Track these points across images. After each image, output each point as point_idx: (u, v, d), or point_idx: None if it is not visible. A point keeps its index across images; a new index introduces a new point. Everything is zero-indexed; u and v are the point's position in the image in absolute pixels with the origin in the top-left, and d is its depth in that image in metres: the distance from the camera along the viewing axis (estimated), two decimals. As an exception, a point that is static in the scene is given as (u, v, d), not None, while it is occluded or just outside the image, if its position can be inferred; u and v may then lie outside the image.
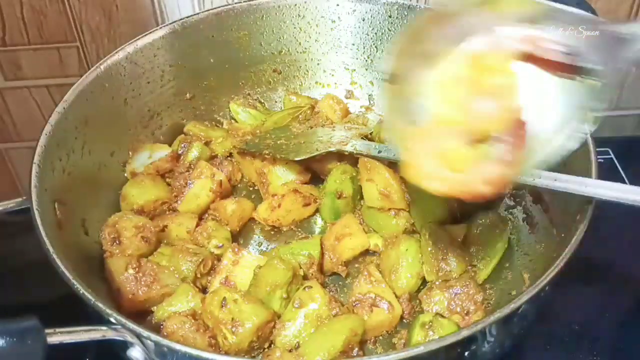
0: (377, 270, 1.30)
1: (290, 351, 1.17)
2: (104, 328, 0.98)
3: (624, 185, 1.09)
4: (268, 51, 1.69)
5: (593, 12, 1.38)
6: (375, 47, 1.68)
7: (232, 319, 1.16)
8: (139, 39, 1.51)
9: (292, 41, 1.69)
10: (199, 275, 1.31)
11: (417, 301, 1.30)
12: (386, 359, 0.92)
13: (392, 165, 1.43)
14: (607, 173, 1.62)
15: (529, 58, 1.03)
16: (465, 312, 1.25)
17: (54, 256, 1.06)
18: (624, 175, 1.75)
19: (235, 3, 1.61)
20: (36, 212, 1.13)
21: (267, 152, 1.50)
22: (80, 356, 1.32)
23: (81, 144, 1.37)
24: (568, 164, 1.26)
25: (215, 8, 1.60)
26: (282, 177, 1.50)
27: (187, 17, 1.57)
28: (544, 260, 1.27)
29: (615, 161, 1.79)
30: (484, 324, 0.97)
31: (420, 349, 0.93)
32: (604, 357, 1.34)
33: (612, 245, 1.49)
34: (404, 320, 1.27)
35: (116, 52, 1.47)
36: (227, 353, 1.15)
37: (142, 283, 1.25)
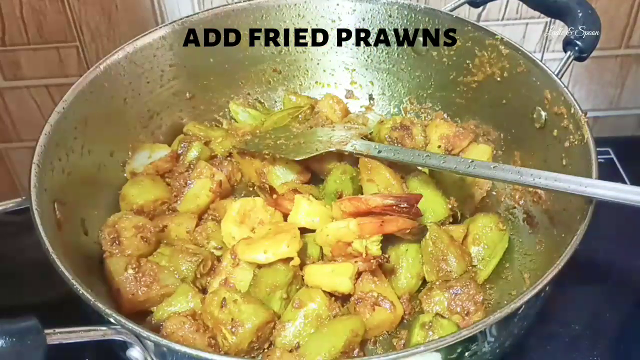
0: (379, 270, 1.30)
1: (290, 351, 1.17)
2: (104, 328, 0.97)
3: (624, 185, 1.09)
4: (268, 51, 1.69)
5: (593, 11, 1.39)
6: (375, 46, 1.68)
7: (232, 319, 1.16)
8: (138, 38, 1.51)
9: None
10: (198, 276, 1.31)
11: (418, 301, 1.30)
12: (386, 359, 0.92)
13: (393, 165, 1.43)
14: (608, 173, 1.62)
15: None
16: (465, 312, 1.24)
17: (54, 256, 1.06)
18: (624, 175, 1.75)
19: (235, 3, 1.61)
20: (36, 212, 1.13)
21: (266, 152, 1.50)
22: (80, 356, 1.32)
23: (81, 144, 1.37)
24: (569, 164, 1.27)
25: (215, 8, 1.60)
26: (281, 177, 1.50)
27: (187, 17, 1.57)
28: (544, 260, 1.27)
29: (616, 161, 1.78)
30: (484, 324, 0.96)
31: (420, 349, 0.93)
32: (604, 357, 1.34)
33: (613, 246, 1.49)
34: (405, 321, 1.27)
35: (116, 52, 1.47)
36: (226, 353, 1.15)
37: (142, 283, 1.25)
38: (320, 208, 1.34)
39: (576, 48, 1.38)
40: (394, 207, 1.26)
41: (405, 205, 1.26)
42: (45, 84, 1.85)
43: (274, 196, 1.39)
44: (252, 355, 1.19)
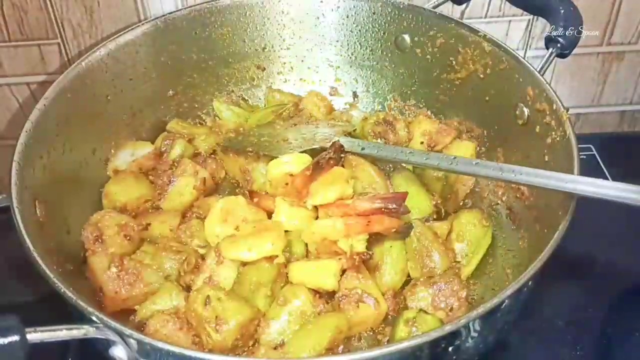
0: (363, 267, 1.30)
1: (275, 349, 1.17)
2: (86, 326, 0.97)
3: (605, 181, 1.10)
4: (252, 48, 1.68)
5: (575, 9, 1.40)
6: (359, 44, 1.68)
7: (216, 316, 1.15)
8: (120, 35, 1.50)
9: (275, 38, 1.68)
10: (182, 274, 1.30)
11: (402, 298, 1.30)
12: (370, 355, 0.92)
13: (377, 162, 1.43)
14: (590, 169, 1.63)
15: None
16: (449, 308, 1.25)
17: (35, 255, 1.05)
18: (606, 171, 1.76)
19: (218, -1, 1.60)
20: (16, 211, 1.12)
21: (250, 149, 1.50)
22: (64, 357, 1.31)
23: (62, 142, 1.35)
24: (551, 161, 1.28)
25: (198, 4, 1.59)
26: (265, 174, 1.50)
27: (170, 13, 1.56)
28: (527, 256, 1.28)
29: (598, 158, 1.80)
30: (467, 319, 0.97)
31: (404, 345, 0.93)
32: (588, 352, 1.36)
33: (595, 242, 1.50)
34: (389, 317, 1.27)
35: (98, 49, 1.46)
36: (210, 351, 1.14)
37: (125, 281, 1.24)
38: (302, 210, 1.33)
39: (558, 45, 1.39)
40: (382, 209, 1.27)
41: (394, 206, 1.26)
42: (26, 82, 1.83)
43: (255, 200, 1.38)
44: (237, 353, 1.19)
